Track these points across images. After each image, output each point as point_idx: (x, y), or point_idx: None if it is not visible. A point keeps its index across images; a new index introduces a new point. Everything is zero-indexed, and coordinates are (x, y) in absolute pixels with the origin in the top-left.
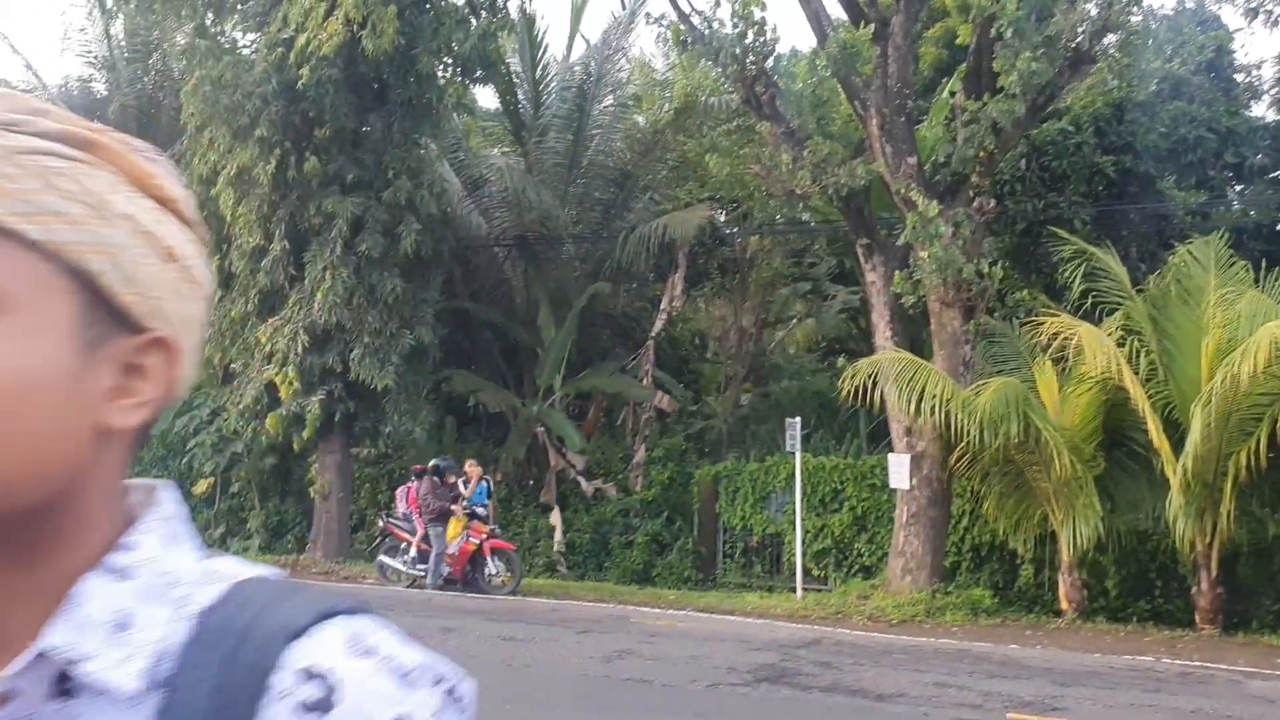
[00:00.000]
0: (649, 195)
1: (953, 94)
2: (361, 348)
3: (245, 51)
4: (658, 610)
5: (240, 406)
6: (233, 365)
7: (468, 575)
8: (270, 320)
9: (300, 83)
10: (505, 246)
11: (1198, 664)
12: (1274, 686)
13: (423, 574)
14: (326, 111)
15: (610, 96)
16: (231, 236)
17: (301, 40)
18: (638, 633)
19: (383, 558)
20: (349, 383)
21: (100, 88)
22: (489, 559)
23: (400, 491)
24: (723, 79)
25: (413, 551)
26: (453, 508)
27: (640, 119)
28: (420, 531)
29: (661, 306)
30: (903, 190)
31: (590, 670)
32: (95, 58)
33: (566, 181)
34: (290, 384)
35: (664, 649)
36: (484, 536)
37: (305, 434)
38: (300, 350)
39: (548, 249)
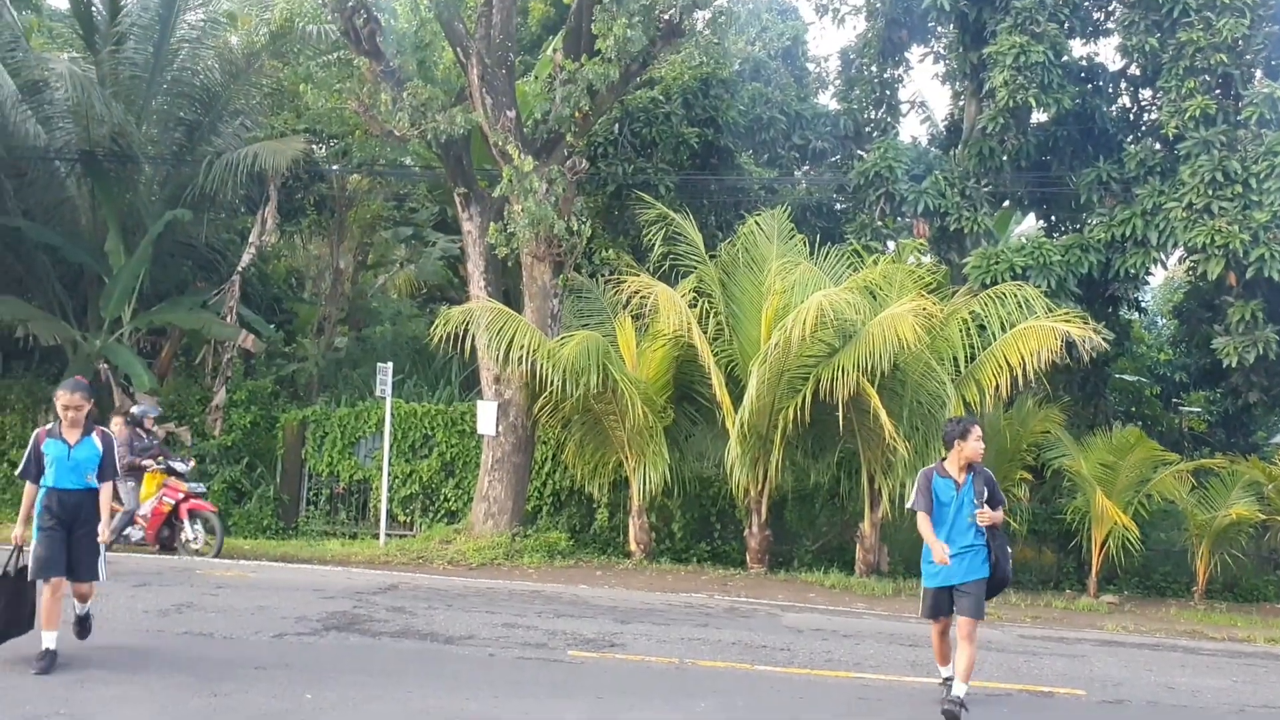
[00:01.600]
0: (240, 121)
1: (555, 52)
2: None
3: None
4: (229, 561)
5: None
6: None
7: (162, 539)
8: None
9: None
10: (69, 161)
11: (744, 600)
12: (805, 618)
13: (110, 537)
14: None
15: (200, 10)
16: None
17: None
18: (203, 585)
19: None
20: None
21: None
22: (185, 521)
23: None
24: (322, 6)
25: None
26: (144, 462)
27: (234, 39)
28: None
29: (251, 240)
30: (500, 143)
31: (143, 625)
32: None
33: (146, 97)
34: None
35: (230, 601)
36: (180, 496)
37: None
38: None
39: (120, 168)
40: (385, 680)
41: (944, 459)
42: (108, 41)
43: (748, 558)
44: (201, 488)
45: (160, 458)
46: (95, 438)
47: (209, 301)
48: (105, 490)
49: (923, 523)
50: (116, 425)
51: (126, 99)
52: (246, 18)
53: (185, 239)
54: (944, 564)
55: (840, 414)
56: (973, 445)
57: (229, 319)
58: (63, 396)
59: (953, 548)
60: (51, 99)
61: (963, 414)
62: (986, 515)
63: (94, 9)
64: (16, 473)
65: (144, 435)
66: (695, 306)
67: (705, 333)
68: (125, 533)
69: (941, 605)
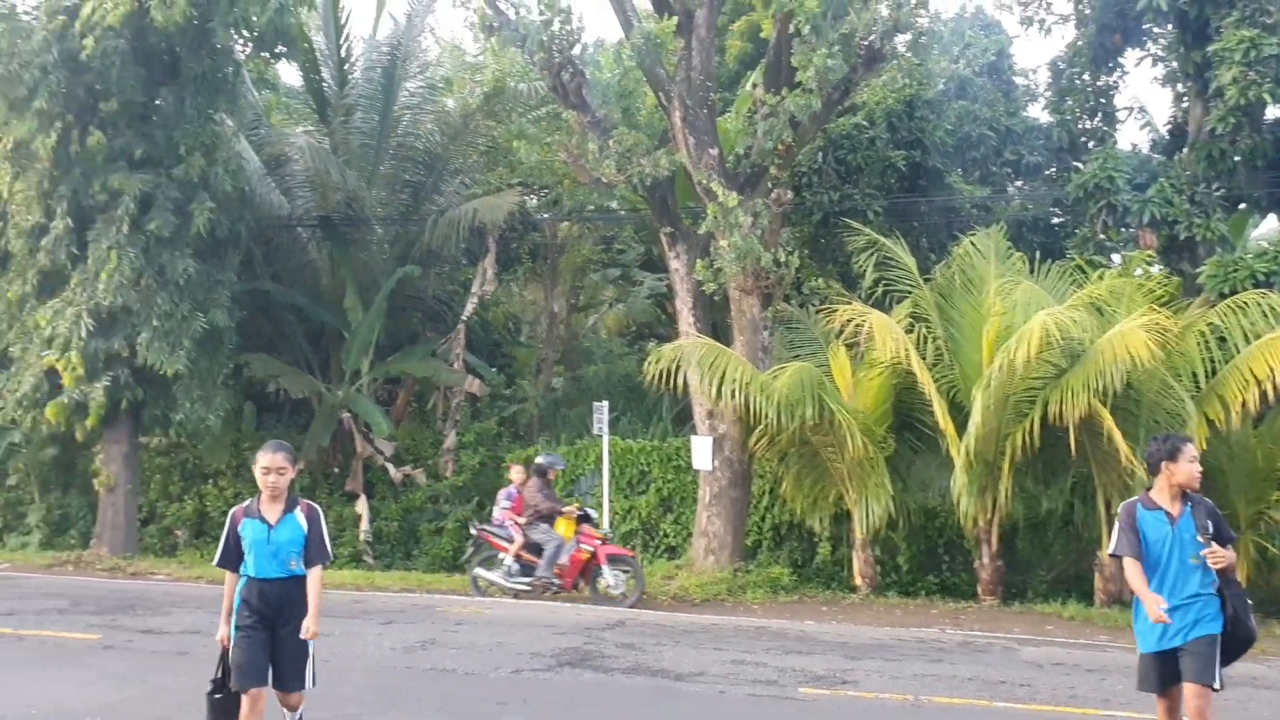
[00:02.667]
0: (459, 179)
1: (754, 87)
2: (150, 331)
3: (23, 19)
4: (465, 598)
5: (18, 394)
6: (9, 350)
7: (579, 588)
8: (50, 302)
9: (84, 54)
10: (309, 227)
11: (978, 633)
12: (1044, 652)
13: (526, 587)
14: (113, 84)
15: (419, 77)
16: (8, 214)
17: (86, 9)
18: (443, 622)
19: (479, 570)
20: (136, 368)
21: None
22: (605, 568)
23: (502, 494)
24: (531, 65)
25: (508, 561)
26: (563, 509)
27: (450, 102)
28: (520, 540)
29: (473, 290)
30: (704, 181)
31: (390, 662)
32: None
33: (374, 162)
34: (72, 370)
35: (469, 637)
36: (598, 543)
37: (89, 423)
38: (84, 334)
39: (354, 230)
40: (620, 716)
41: (1149, 489)
42: (338, 114)
43: (979, 589)
44: (611, 534)
45: (577, 504)
46: (299, 514)
47: (437, 350)
48: (314, 576)
49: (1131, 572)
50: (518, 474)
51: (357, 166)
52: (461, 81)
53: (414, 292)
54: (1161, 621)
55: (1071, 437)
56: (1184, 468)
57: (456, 365)
58: (263, 458)
59: (1172, 599)
60: (291, 171)
61: (1206, 433)
62: (1219, 555)
63: (324, 84)
64: (214, 561)
65: (549, 485)
66: (911, 332)
67: (924, 359)
68: (549, 581)
69: (1163, 674)
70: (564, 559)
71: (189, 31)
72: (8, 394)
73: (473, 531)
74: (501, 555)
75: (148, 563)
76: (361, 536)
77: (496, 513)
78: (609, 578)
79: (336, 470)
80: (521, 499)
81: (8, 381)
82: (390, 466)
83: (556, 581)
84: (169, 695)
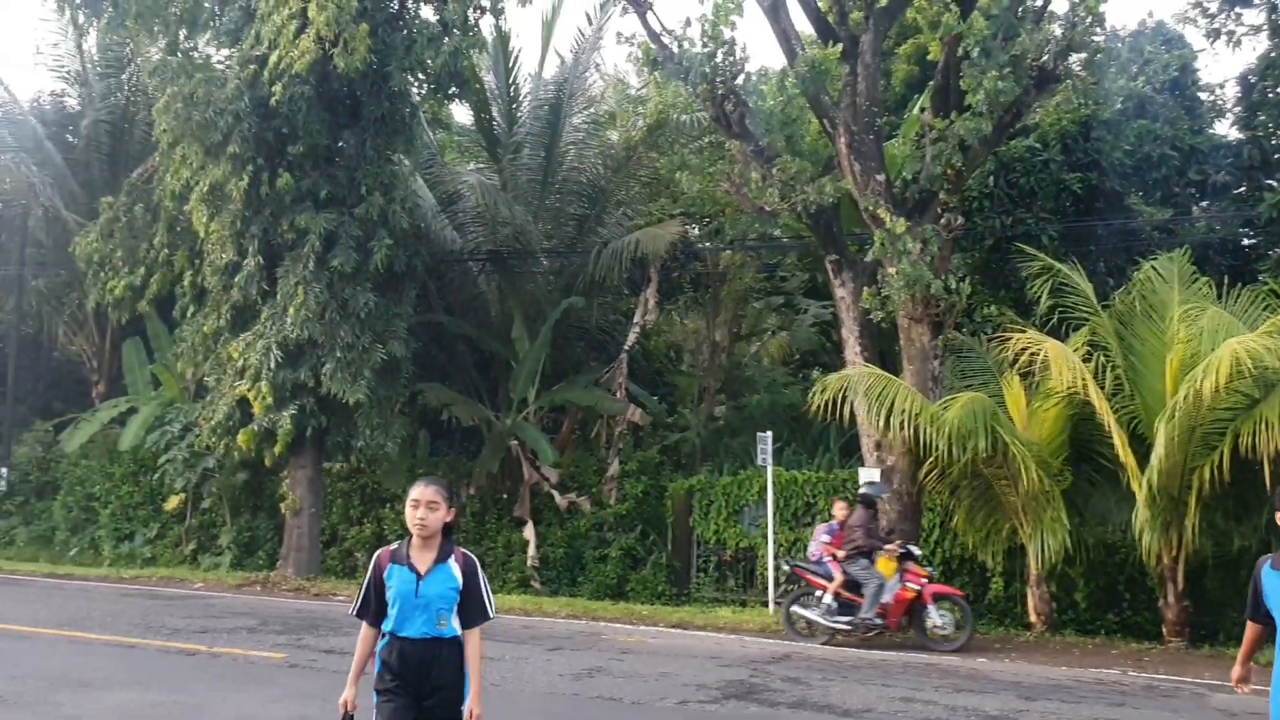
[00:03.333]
0: (622, 210)
1: (922, 111)
2: (333, 362)
3: (218, 68)
4: (630, 626)
5: (212, 422)
6: (205, 380)
7: (904, 627)
8: (243, 335)
9: (273, 100)
10: (479, 261)
11: (1163, 677)
12: (1237, 700)
13: (847, 626)
14: (299, 128)
15: (584, 113)
16: (204, 252)
17: (274, 58)
18: (609, 650)
19: (796, 608)
20: (321, 397)
21: (73, 103)
22: (931, 608)
23: (821, 529)
24: (694, 97)
25: (828, 599)
26: (884, 546)
27: (613, 135)
28: (839, 577)
29: (635, 320)
30: (871, 207)
31: (559, 689)
32: (68, 73)
33: (540, 197)
34: (262, 399)
35: (634, 666)
36: (924, 581)
37: (277, 449)
38: (273, 365)
39: (521, 263)
40: None
41: None
42: (507, 151)
43: (1164, 630)
44: (934, 573)
45: (898, 541)
46: (454, 564)
47: (600, 379)
48: (474, 642)
49: (1246, 638)
50: (841, 510)
51: (524, 201)
52: (625, 114)
53: (578, 323)
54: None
55: (1266, 471)
56: None
57: (618, 394)
58: (413, 490)
59: None
60: (463, 207)
61: None
62: None
63: (494, 123)
64: (350, 610)
65: (875, 518)
66: (1089, 361)
67: (1102, 388)
68: (872, 622)
69: None
70: (887, 598)
71: (369, 76)
72: (204, 422)
73: (785, 568)
74: (819, 593)
75: (330, 584)
76: (529, 562)
77: (813, 548)
78: (936, 618)
79: (505, 496)
80: (842, 535)
81: (204, 410)
82: (556, 493)
83: (879, 622)
84: None
